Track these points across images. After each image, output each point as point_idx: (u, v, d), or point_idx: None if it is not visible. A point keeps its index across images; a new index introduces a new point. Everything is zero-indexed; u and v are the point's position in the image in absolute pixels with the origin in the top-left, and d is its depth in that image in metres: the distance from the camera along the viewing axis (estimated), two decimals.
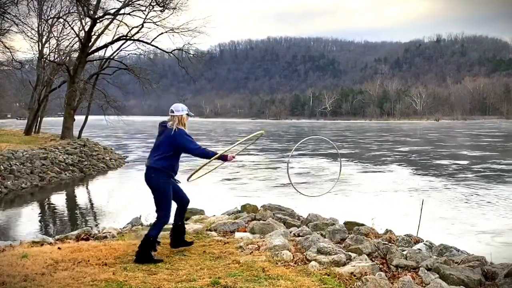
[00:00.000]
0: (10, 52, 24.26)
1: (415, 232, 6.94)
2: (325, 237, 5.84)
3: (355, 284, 4.06)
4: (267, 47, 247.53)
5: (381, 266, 4.76)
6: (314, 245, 5.09)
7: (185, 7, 24.49)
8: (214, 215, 7.37)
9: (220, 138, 46.37)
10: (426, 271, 4.55)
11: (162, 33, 25.15)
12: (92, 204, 13.35)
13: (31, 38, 26.83)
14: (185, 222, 5.42)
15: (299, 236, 5.80)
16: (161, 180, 4.71)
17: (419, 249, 5.54)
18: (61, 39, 27.71)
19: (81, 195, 15.25)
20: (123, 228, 6.86)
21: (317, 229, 6.43)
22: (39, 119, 29.73)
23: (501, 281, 4.49)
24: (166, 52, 27.17)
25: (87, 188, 16.41)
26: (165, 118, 5.06)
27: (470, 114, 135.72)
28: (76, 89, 23.24)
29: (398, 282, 4.20)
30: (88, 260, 4.56)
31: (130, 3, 23.78)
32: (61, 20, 25.49)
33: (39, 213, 11.96)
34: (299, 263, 4.65)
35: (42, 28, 27.29)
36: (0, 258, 4.67)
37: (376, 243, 5.38)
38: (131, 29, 24.66)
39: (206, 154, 4.77)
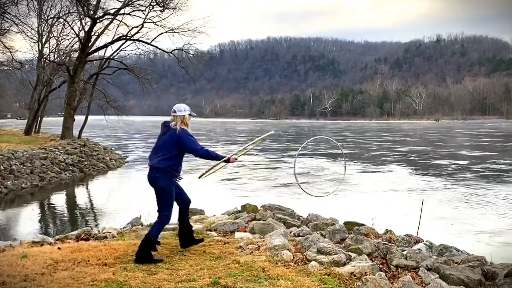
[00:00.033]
0: (10, 52, 24.28)
1: (415, 232, 6.95)
2: (325, 237, 5.84)
3: (355, 284, 4.06)
4: (267, 47, 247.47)
5: (381, 266, 4.76)
6: (314, 245, 5.09)
7: (185, 7, 24.52)
8: (214, 215, 7.37)
9: (220, 138, 46.36)
10: (426, 271, 4.55)
11: (162, 33, 25.18)
12: (92, 204, 13.35)
13: (31, 38, 26.88)
14: None
15: (299, 236, 5.80)
16: (166, 180, 4.73)
17: (419, 249, 5.54)
18: (61, 39, 27.75)
19: (81, 195, 15.24)
20: (123, 228, 6.85)
21: (317, 229, 6.43)
22: (39, 119, 29.73)
23: (501, 281, 4.49)
24: (166, 52, 27.17)
25: (87, 188, 16.41)
26: (165, 118, 5.07)
27: (470, 114, 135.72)
28: (76, 89, 23.24)
29: (398, 282, 4.20)
30: (88, 260, 4.57)
31: (130, 3, 23.79)
32: (61, 20, 25.52)
33: (39, 213, 11.96)
34: (299, 263, 4.65)
35: (42, 28, 27.31)
36: (0, 258, 4.67)
37: (376, 243, 5.38)
38: (131, 29, 24.68)
39: (209, 156, 4.84)
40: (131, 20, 28.61)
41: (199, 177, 5.19)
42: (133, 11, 24.30)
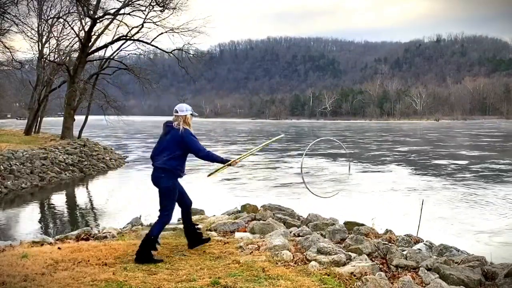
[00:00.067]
0: (10, 52, 24.28)
1: (415, 232, 6.95)
2: (325, 237, 5.85)
3: (355, 284, 4.06)
4: (267, 47, 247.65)
5: (381, 266, 4.76)
6: (314, 245, 5.09)
7: (185, 7, 24.51)
8: (214, 215, 7.37)
9: (219, 138, 46.36)
10: (426, 271, 4.55)
11: (162, 33, 25.17)
12: (92, 204, 13.34)
13: (31, 38, 26.88)
14: None
15: (299, 236, 5.80)
16: (170, 181, 4.74)
17: (419, 249, 5.54)
18: (61, 39, 27.76)
19: (81, 195, 15.24)
20: (123, 228, 6.86)
21: (317, 229, 6.43)
22: (39, 119, 29.74)
23: (501, 281, 4.49)
24: (166, 52, 27.16)
25: (87, 188, 16.41)
26: (165, 118, 5.09)
27: (470, 114, 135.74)
28: (76, 89, 23.24)
29: (398, 282, 4.20)
30: (88, 260, 4.57)
31: (130, 3, 23.78)
32: (61, 20, 25.52)
33: (39, 213, 11.96)
34: (299, 263, 4.66)
35: (42, 28, 27.31)
36: (0, 258, 4.67)
37: (376, 243, 5.38)
38: (131, 29, 24.67)
39: (210, 158, 4.88)
40: (131, 20, 28.67)
41: (208, 175, 5.33)
42: (133, 11, 24.32)
